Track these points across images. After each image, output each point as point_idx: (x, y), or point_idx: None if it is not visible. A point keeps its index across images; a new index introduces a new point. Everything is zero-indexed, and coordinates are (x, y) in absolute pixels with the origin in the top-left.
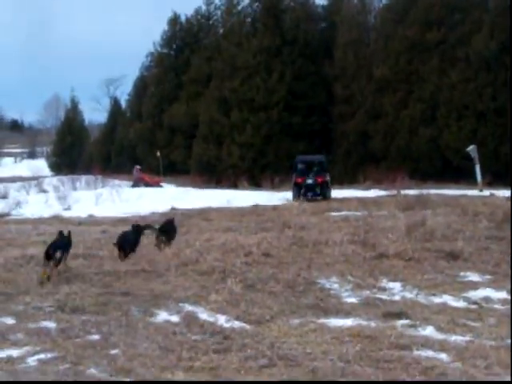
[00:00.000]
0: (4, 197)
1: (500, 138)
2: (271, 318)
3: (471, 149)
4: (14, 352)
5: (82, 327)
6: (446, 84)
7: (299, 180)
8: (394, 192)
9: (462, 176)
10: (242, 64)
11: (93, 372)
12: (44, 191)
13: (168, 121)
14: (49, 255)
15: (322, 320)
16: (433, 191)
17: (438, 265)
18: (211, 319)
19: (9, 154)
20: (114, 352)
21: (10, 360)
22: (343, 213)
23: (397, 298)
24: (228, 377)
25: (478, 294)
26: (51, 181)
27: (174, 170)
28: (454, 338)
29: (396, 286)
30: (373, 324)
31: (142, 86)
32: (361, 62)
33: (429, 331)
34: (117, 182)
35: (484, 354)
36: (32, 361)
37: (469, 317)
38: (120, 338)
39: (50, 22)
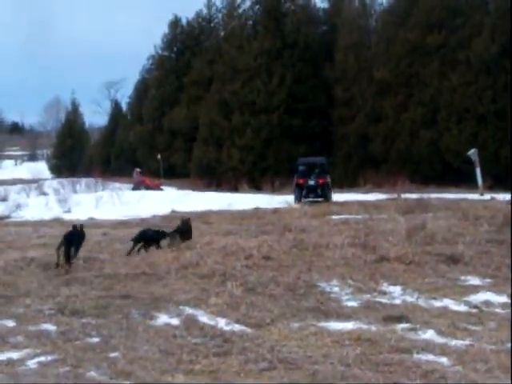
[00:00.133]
0: (4, 199)
1: (500, 141)
2: (271, 322)
3: (472, 152)
4: (14, 354)
5: (82, 330)
6: (447, 87)
7: (301, 181)
8: (395, 195)
9: (463, 179)
10: (242, 67)
11: (93, 375)
12: (44, 194)
13: (168, 124)
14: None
15: (323, 323)
16: (433, 195)
17: (438, 268)
18: (211, 322)
19: (9, 157)
20: (114, 355)
21: (10, 363)
22: (344, 216)
23: (397, 301)
24: (228, 380)
25: (478, 297)
26: (51, 183)
27: (175, 173)
28: (455, 342)
29: (396, 289)
30: (373, 327)
31: (142, 89)
32: (361, 64)
33: (429, 335)
34: (117, 184)
35: (484, 357)
36: (32, 363)
37: (469, 321)
38: (120, 340)
39: (50, 24)
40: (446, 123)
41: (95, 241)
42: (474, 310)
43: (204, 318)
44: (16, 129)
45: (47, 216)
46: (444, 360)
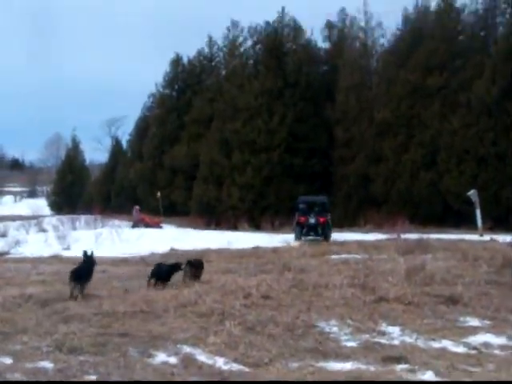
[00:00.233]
0: (4, 235)
1: (501, 182)
2: (270, 361)
3: (472, 193)
4: None
5: (79, 368)
6: (447, 129)
7: (302, 219)
8: (394, 236)
9: (463, 220)
10: (243, 106)
11: None
12: (44, 230)
13: (169, 161)
14: (75, 278)
15: (321, 363)
16: (433, 235)
17: (437, 309)
18: (209, 361)
19: (9, 193)
20: None
21: None
22: (343, 256)
23: (396, 342)
24: None
25: (477, 339)
26: (51, 220)
27: (174, 211)
28: None
29: (395, 330)
30: (372, 368)
31: (143, 127)
32: (362, 105)
33: (428, 376)
34: (117, 222)
35: None
36: None
37: (468, 362)
38: (118, 378)
39: (51, 62)
40: (447, 165)
41: (94, 278)
42: (473, 352)
43: (202, 356)
44: (16, 165)
45: (46, 253)
46: None
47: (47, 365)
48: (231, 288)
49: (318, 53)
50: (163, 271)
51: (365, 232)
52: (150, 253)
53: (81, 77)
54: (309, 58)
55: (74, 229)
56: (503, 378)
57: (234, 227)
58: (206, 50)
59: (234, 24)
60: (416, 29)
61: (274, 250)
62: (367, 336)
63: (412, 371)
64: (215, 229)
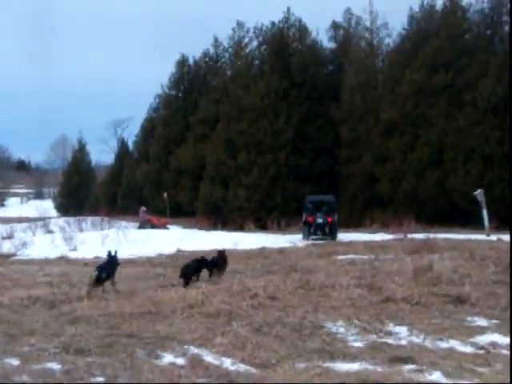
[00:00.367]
0: (10, 237)
1: (507, 181)
2: (277, 362)
3: (478, 193)
4: None
5: (86, 369)
6: (453, 127)
7: (310, 219)
8: (401, 236)
9: (469, 220)
10: (249, 106)
11: None
12: (50, 232)
13: (175, 162)
14: (98, 277)
15: (328, 364)
16: (440, 235)
17: (444, 309)
18: (217, 362)
19: (15, 195)
20: None
21: None
22: (350, 256)
23: (403, 342)
24: None
25: (485, 338)
26: (57, 222)
27: (181, 212)
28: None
29: (403, 330)
30: (379, 368)
31: (149, 128)
32: (368, 104)
33: (436, 376)
34: (123, 223)
35: None
36: None
37: (476, 362)
38: (125, 380)
39: (57, 63)
40: (453, 164)
41: None
42: (481, 352)
43: (209, 357)
44: (22, 166)
45: (53, 254)
46: None
47: (54, 366)
48: (238, 289)
49: (323, 53)
50: (192, 271)
51: (371, 232)
52: (157, 254)
53: (83, 77)
54: (314, 58)
55: (81, 230)
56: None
57: (241, 228)
58: (212, 50)
59: (240, 25)
60: (422, 28)
61: (281, 251)
62: (374, 336)
63: (419, 371)
64: (221, 229)
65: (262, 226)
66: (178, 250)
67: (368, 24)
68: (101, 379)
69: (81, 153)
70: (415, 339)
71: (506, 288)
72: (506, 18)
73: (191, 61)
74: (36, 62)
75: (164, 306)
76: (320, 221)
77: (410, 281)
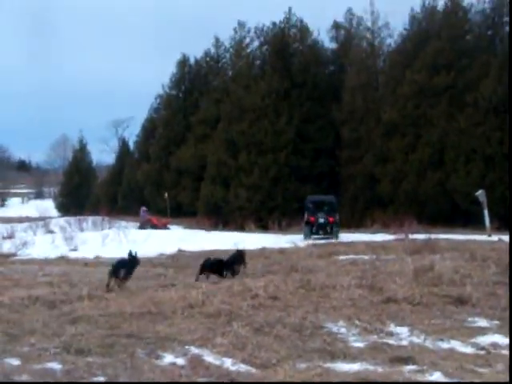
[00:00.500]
0: (11, 237)
1: (508, 182)
2: (278, 362)
3: (479, 193)
4: None
5: (87, 369)
6: (454, 128)
7: (311, 218)
8: (402, 236)
9: (471, 220)
10: (250, 106)
11: None
12: (51, 232)
13: (176, 162)
14: (114, 271)
15: (329, 364)
16: (441, 236)
17: (445, 310)
18: (217, 362)
19: (16, 194)
20: None
21: None
22: (351, 256)
23: (404, 342)
24: None
25: (486, 339)
26: (58, 221)
27: (182, 212)
28: None
29: (403, 330)
30: (380, 369)
31: (150, 128)
32: (369, 105)
33: (436, 377)
34: (124, 223)
35: None
36: None
37: (477, 363)
38: (126, 380)
39: (58, 63)
40: (454, 164)
41: (101, 279)
42: (482, 352)
43: (210, 357)
44: (23, 166)
45: (53, 254)
46: None
47: (55, 366)
48: (239, 289)
49: (324, 53)
50: (211, 265)
51: (372, 232)
52: (158, 254)
53: (84, 77)
54: (315, 58)
55: (82, 230)
56: None
57: (241, 228)
58: (213, 50)
59: (241, 25)
60: (423, 29)
61: (281, 251)
62: (375, 337)
63: (420, 372)
64: (222, 230)
65: (263, 226)
66: (179, 250)
67: (369, 24)
68: (101, 379)
69: (81, 153)
70: (416, 339)
71: (507, 289)
72: (506, 18)
73: (192, 61)
74: (36, 61)
75: (164, 306)
76: (322, 220)
77: (411, 281)
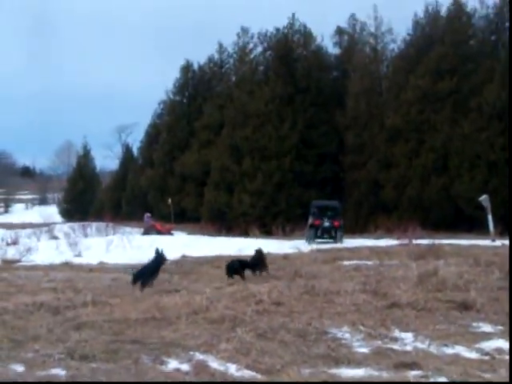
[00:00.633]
0: (15, 243)
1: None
2: (282, 368)
3: (483, 198)
4: None
5: (91, 375)
6: (458, 133)
7: (316, 222)
8: (406, 241)
9: (475, 225)
10: (253, 112)
11: None
12: (55, 238)
13: (179, 168)
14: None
15: (333, 370)
16: (445, 241)
17: (450, 315)
18: (221, 368)
19: (20, 201)
20: None
21: None
22: (355, 262)
23: (408, 348)
24: None
25: (490, 344)
26: (62, 227)
27: (185, 218)
28: None
29: (408, 336)
30: (384, 374)
31: (153, 133)
32: (373, 110)
33: (441, 382)
34: (128, 229)
35: None
36: None
37: (481, 368)
38: None
39: (62, 69)
40: (458, 170)
41: (105, 285)
42: (486, 358)
43: (214, 363)
44: (27, 172)
45: (57, 260)
46: None
47: (59, 372)
48: (242, 294)
49: (328, 59)
50: (238, 267)
51: (376, 238)
52: None
53: (87, 83)
54: (319, 63)
55: (86, 236)
56: None
57: (245, 233)
58: (216, 56)
59: (244, 30)
60: (426, 34)
61: (285, 257)
62: (379, 342)
63: (425, 377)
64: (226, 235)
65: (267, 232)
66: (183, 256)
67: (372, 30)
68: None
69: (85, 158)
70: (420, 345)
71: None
72: (508, 23)
73: (196, 66)
74: (39, 67)
75: (169, 312)
76: (327, 224)
77: (415, 286)
